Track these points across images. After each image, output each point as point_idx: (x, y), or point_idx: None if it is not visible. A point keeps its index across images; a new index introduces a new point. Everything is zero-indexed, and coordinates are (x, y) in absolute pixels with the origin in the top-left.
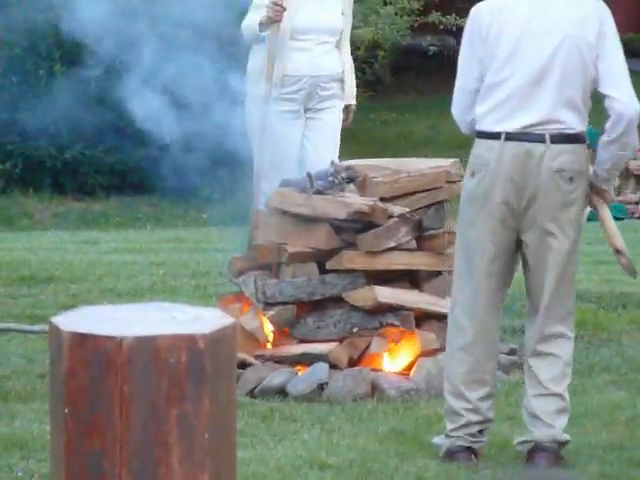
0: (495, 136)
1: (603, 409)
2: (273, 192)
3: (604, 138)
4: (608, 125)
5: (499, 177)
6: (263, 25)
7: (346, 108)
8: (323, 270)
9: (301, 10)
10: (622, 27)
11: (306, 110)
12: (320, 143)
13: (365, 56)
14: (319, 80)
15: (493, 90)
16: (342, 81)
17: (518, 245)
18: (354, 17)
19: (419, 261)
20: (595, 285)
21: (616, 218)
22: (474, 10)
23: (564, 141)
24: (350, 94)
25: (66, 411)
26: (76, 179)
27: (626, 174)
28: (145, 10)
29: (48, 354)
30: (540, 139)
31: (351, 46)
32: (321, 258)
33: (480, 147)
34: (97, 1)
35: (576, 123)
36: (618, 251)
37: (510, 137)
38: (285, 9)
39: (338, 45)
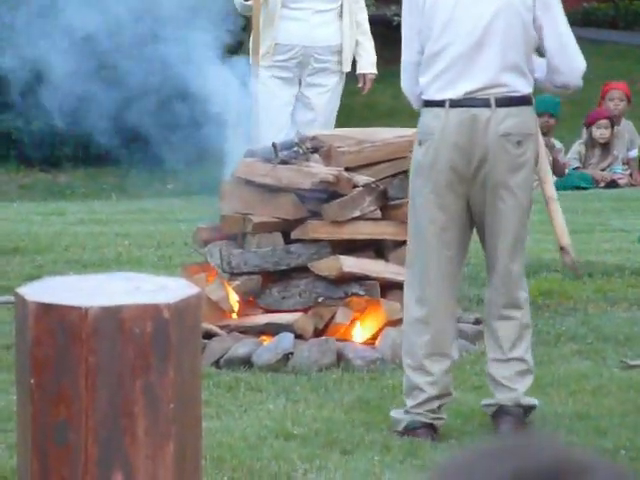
0: (440, 104)
1: (569, 378)
2: (239, 162)
3: (545, 83)
4: (551, 84)
5: (445, 144)
6: None
7: (363, 76)
8: (288, 240)
9: None
10: None
11: (300, 83)
12: (312, 123)
13: None
14: (313, 51)
15: (434, 59)
16: (340, 53)
17: (470, 212)
18: None
19: (384, 230)
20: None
21: (581, 188)
22: None
23: (510, 104)
24: (368, 62)
25: (32, 381)
26: (42, 151)
27: (591, 143)
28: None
29: (14, 325)
30: (485, 104)
31: None
32: (286, 228)
33: (426, 116)
34: None
35: (521, 86)
36: (562, 249)
37: (454, 104)
38: None
39: (340, 14)
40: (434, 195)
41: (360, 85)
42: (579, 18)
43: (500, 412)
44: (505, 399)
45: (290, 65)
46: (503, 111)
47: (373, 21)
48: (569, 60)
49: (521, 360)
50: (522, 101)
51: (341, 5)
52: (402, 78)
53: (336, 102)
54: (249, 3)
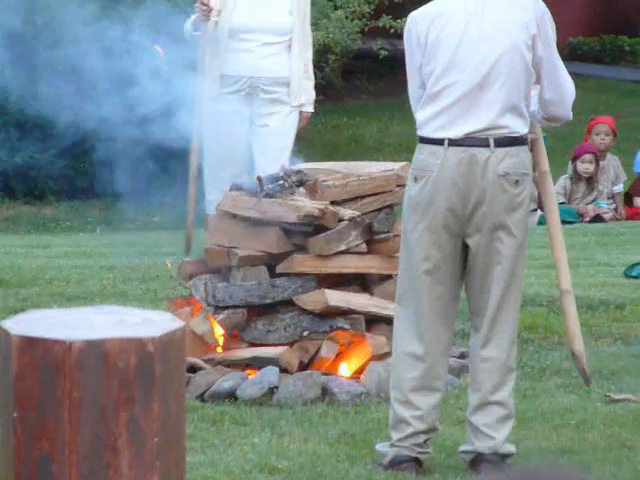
0: (438, 142)
1: (553, 413)
2: (224, 196)
3: (535, 115)
4: (540, 115)
5: (443, 183)
6: (195, 24)
7: (300, 114)
8: (273, 274)
9: (240, 8)
10: (572, 30)
11: (252, 115)
12: (267, 151)
13: (316, 60)
14: (259, 82)
15: (435, 97)
16: (288, 85)
17: (463, 250)
18: None
19: (369, 264)
20: (546, 289)
21: (567, 222)
22: (409, 20)
23: (508, 144)
24: (305, 100)
25: (15, 415)
26: (26, 183)
27: (576, 178)
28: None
29: None
30: (484, 143)
31: None
32: (271, 262)
33: (423, 152)
34: None
35: (519, 126)
36: (574, 355)
37: (453, 143)
38: (212, 9)
39: (289, 47)
40: (429, 233)
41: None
42: (565, 52)
43: (478, 460)
44: (483, 447)
45: (238, 98)
46: (502, 151)
47: (360, 55)
48: (562, 95)
49: (502, 405)
50: (520, 141)
51: (290, 39)
52: (413, 110)
53: (289, 133)
54: (197, 33)
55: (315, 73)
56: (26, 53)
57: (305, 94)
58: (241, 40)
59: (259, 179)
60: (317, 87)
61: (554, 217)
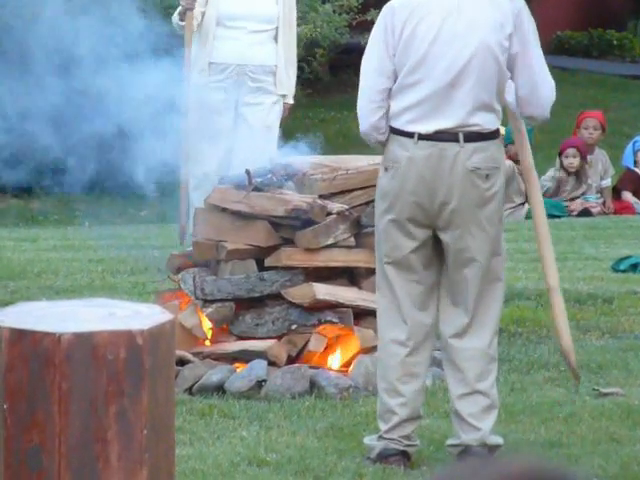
0: (408, 135)
1: (542, 406)
2: (213, 189)
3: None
4: (518, 115)
5: (410, 176)
6: (182, 14)
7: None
8: (262, 267)
9: None
10: (560, 24)
11: (238, 103)
12: (250, 144)
13: (303, 54)
14: (247, 69)
15: (406, 90)
16: (274, 74)
17: (438, 242)
18: None
19: (357, 258)
20: (534, 282)
21: (554, 216)
22: (387, 9)
23: (477, 139)
24: (288, 92)
25: (5, 407)
26: (14, 177)
27: (565, 174)
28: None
29: None
30: (454, 138)
31: None
32: (260, 255)
33: (393, 144)
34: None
35: (490, 123)
36: (563, 351)
37: (423, 137)
38: None
39: (275, 36)
40: (397, 223)
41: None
42: (553, 47)
43: (465, 453)
44: (470, 439)
45: (226, 85)
46: (471, 146)
47: (347, 49)
48: (537, 94)
49: (486, 394)
50: (490, 136)
51: (276, 28)
52: (361, 105)
53: (274, 121)
54: (183, 23)
55: (303, 67)
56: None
57: (289, 84)
58: (228, 28)
59: (247, 172)
60: (305, 81)
61: (539, 209)
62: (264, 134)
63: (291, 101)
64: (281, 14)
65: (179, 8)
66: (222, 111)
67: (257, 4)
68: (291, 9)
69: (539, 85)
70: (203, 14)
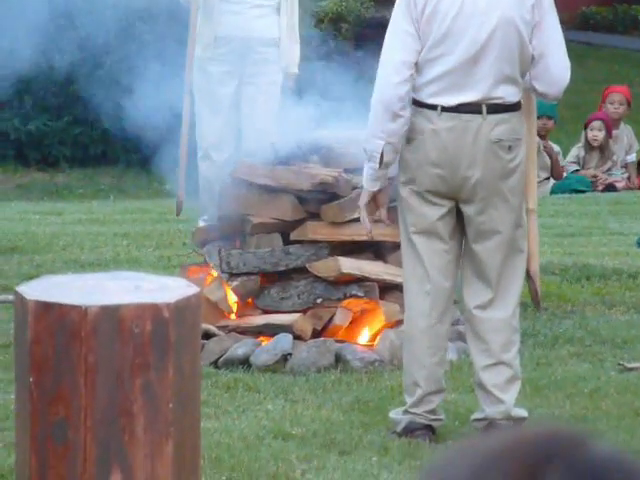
0: (432, 107)
1: (567, 381)
2: (238, 163)
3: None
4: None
5: (433, 148)
6: None
7: (286, 75)
8: (287, 241)
9: None
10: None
11: (242, 75)
12: (255, 116)
13: (329, 28)
14: (251, 42)
15: (429, 64)
16: (277, 47)
17: (459, 213)
18: None
19: (383, 232)
20: (558, 257)
21: (579, 190)
22: None
23: (500, 111)
24: (291, 61)
25: (31, 380)
26: (39, 150)
27: (589, 147)
28: None
29: (12, 324)
30: (477, 110)
31: (315, 18)
32: (285, 229)
33: (417, 116)
34: None
35: (513, 95)
36: (529, 275)
37: (446, 110)
38: None
39: (277, 9)
40: (419, 194)
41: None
42: (577, 22)
43: (491, 427)
44: (494, 413)
45: (231, 58)
46: (494, 118)
47: (372, 23)
48: (550, 71)
49: (509, 365)
50: (512, 107)
51: (279, 2)
52: (385, 75)
53: (277, 92)
54: None
55: (329, 42)
56: (40, 21)
57: (292, 55)
58: (232, 2)
59: (273, 146)
60: (330, 56)
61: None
62: (267, 104)
63: (296, 70)
64: None
65: None
66: (225, 82)
67: None
68: None
69: (553, 62)
70: None
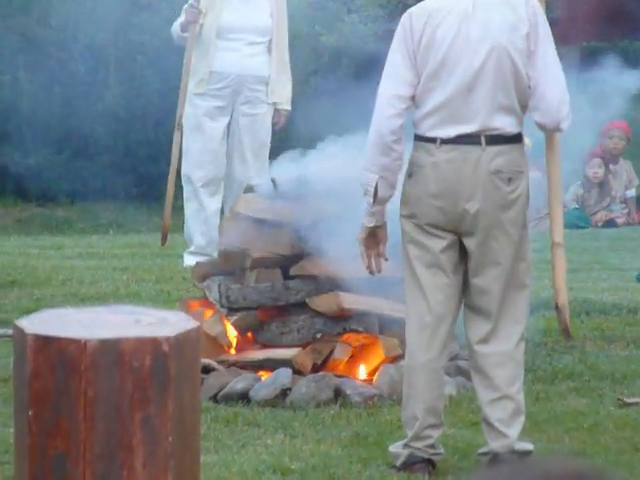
0: (431, 140)
1: (566, 416)
2: (238, 197)
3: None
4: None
5: (433, 180)
6: (184, 26)
7: (278, 112)
8: (287, 276)
9: (227, 10)
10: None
11: (235, 112)
12: (246, 155)
13: (329, 63)
14: (245, 80)
15: (426, 96)
16: (267, 84)
17: (461, 247)
18: (318, 25)
19: (384, 266)
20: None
21: (579, 227)
22: (405, 16)
23: (500, 142)
24: (283, 98)
25: (30, 413)
26: (39, 185)
27: (588, 184)
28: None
29: (12, 358)
30: (476, 142)
31: (314, 54)
32: (285, 264)
33: (418, 150)
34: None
35: (512, 126)
36: (557, 307)
37: (445, 142)
38: (200, 11)
39: (270, 48)
40: (420, 228)
41: (275, 120)
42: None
43: (495, 460)
44: (498, 446)
45: (224, 94)
46: (493, 149)
47: (373, 58)
48: (546, 100)
49: (513, 399)
50: (513, 139)
51: (270, 40)
52: (380, 108)
53: (267, 130)
54: (186, 35)
55: (328, 76)
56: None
57: (283, 92)
58: (228, 39)
59: (273, 180)
60: (332, 91)
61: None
62: (257, 145)
63: (288, 107)
64: (275, 26)
65: (180, 19)
66: (216, 117)
67: (254, 17)
68: (283, 21)
69: (548, 91)
70: (201, 26)
